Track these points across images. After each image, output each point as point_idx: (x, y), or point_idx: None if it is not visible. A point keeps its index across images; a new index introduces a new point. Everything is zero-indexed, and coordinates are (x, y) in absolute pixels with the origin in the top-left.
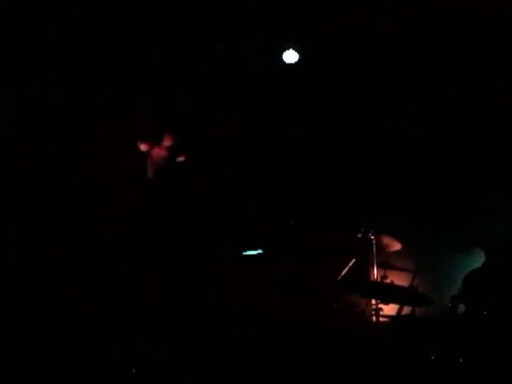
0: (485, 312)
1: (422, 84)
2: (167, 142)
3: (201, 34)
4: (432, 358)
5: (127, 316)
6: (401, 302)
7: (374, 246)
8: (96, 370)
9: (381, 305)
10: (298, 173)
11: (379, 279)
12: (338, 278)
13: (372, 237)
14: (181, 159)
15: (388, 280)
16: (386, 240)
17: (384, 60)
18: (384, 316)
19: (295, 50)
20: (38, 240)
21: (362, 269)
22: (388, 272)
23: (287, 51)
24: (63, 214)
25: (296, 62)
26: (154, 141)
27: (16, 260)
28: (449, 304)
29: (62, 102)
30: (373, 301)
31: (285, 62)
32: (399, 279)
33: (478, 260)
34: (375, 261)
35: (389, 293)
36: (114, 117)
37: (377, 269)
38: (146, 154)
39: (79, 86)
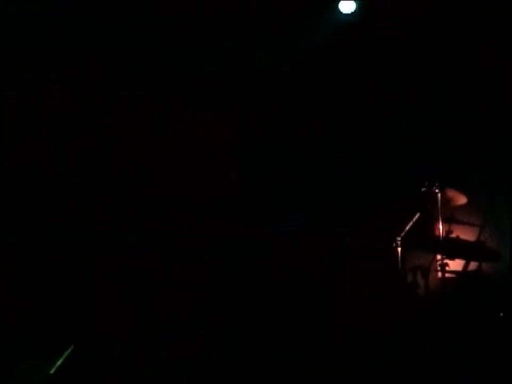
0: None
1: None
2: None
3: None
4: (501, 315)
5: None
6: (468, 257)
7: (439, 200)
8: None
9: (446, 261)
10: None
11: (444, 234)
12: (402, 233)
13: (437, 191)
14: None
15: (454, 235)
16: (452, 193)
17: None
18: (450, 272)
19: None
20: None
21: (427, 224)
22: (453, 227)
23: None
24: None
25: (353, 12)
26: None
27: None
28: None
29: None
30: (439, 257)
31: (341, 12)
32: (465, 234)
33: None
34: (440, 216)
35: (454, 248)
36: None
37: (442, 224)
38: None
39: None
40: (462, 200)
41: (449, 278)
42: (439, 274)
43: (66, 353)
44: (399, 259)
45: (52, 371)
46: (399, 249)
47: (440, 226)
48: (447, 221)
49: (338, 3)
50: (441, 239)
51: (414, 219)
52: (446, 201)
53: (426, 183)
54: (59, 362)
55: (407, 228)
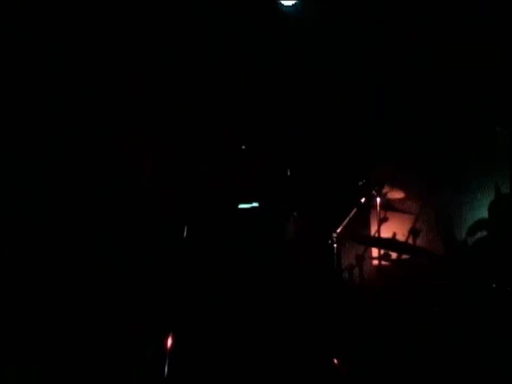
0: None
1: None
2: None
3: None
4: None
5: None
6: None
7: (376, 195)
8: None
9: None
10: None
11: (380, 223)
12: (338, 230)
13: (375, 187)
14: None
15: (389, 222)
16: (389, 188)
17: None
18: (386, 259)
19: None
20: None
21: (364, 219)
22: (389, 214)
23: None
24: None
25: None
26: None
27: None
28: None
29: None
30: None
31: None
32: (401, 222)
33: (484, 203)
34: (377, 212)
35: (390, 247)
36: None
37: (379, 223)
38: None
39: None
40: (399, 195)
41: (385, 265)
42: (375, 261)
43: None
44: (335, 255)
45: None
46: (335, 245)
47: (377, 220)
48: (383, 208)
49: None
50: (377, 239)
51: (351, 214)
52: (384, 195)
53: (364, 180)
54: None
55: (344, 223)
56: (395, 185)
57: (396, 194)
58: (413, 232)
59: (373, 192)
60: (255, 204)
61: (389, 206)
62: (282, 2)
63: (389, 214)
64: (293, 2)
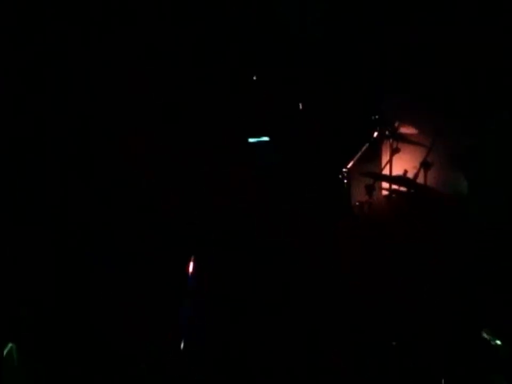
0: None
1: None
2: None
3: None
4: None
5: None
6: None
7: (388, 130)
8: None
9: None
10: None
11: (392, 154)
12: (349, 166)
13: (387, 122)
14: None
15: (401, 154)
16: (401, 123)
17: None
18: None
19: None
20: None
21: (375, 153)
22: (401, 145)
23: None
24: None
25: None
26: None
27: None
28: None
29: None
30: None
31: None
32: (413, 154)
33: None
34: (390, 143)
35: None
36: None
37: (390, 150)
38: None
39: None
40: (411, 130)
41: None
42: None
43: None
44: (345, 190)
45: None
46: (345, 181)
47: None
48: (396, 139)
49: None
50: (388, 176)
51: (363, 149)
52: (396, 130)
53: (376, 115)
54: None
55: (355, 159)
56: (407, 121)
57: (408, 130)
58: (425, 164)
59: (386, 127)
60: (265, 139)
61: (400, 137)
62: None
63: (400, 145)
64: None
